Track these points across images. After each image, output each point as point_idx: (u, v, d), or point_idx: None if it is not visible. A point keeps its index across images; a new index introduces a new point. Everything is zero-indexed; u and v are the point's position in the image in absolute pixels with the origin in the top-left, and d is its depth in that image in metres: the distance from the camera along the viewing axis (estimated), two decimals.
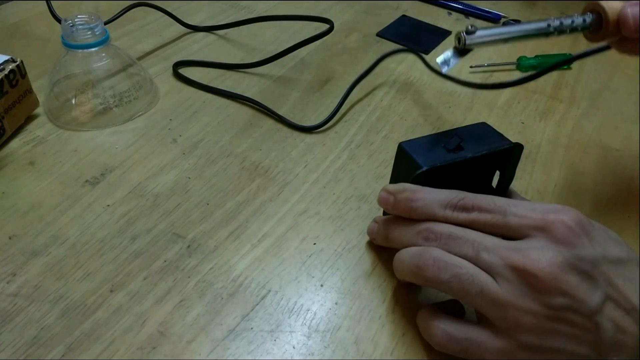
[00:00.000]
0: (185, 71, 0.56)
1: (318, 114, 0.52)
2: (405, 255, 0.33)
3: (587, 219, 0.30)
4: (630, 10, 0.37)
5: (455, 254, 0.31)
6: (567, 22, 0.38)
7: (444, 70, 0.38)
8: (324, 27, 0.55)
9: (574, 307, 0.28)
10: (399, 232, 0.35)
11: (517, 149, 0.38)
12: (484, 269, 0.30)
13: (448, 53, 0.38)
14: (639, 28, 0.37)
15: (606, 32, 0.38)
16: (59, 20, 0.48)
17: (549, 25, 0.38)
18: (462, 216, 0.32)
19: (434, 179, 0.35)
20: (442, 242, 0.32)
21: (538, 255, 0.29)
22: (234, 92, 0.53)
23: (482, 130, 0.38)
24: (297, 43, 0.54)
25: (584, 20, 0.39)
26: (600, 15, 0.38)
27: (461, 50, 0.37)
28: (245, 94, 0.53)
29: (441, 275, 0.30)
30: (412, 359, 0.33)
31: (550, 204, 0.31)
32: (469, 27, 0.36)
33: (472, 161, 0.36)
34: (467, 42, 0.37)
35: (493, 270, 0.30)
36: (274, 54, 0.55)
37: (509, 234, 0.31)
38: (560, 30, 0.38)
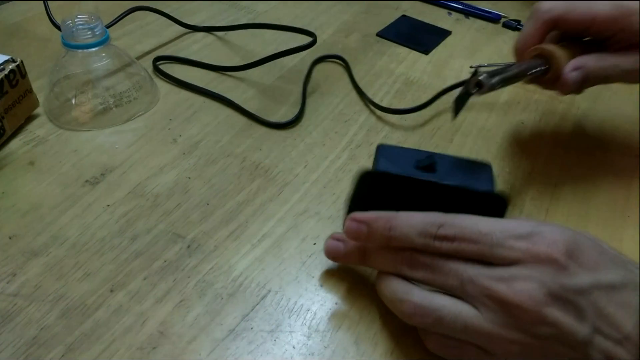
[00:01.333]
0: (185, 70, 0.56)
1: (318, 114, 0.52)
2: (387, 291, 0.33)
3: (575, 241, 0.29)
4: (570, 76, 0.41)
5: (440, 284, 0.31)
6: (535, 67, 0.41)
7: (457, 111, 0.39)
8: (325, 27, 0.55)
9: (560, 338, 0.28)
10: (380, 257, 0.34)
11: (498, 201, 0.33)
12: (467, 300, 0.30)
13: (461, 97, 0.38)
14: (572, 90, 0.42)
15: (550, 82, 0.43)
16: (57, 27, 0.48)
17: (529, 67, 0.41)
18: (445, 246, 0.31)
19: (387, 189, 0.34)
20: (427, 271, 0.31)
21: (521, 287, 0.28)
22: (226, 96, 0.53)
23: (475, 168, 0.35)
24: (277, 52, 0.53)
25: (541, 68, 0.42)
26: (548, 61, 0.42)
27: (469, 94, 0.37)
28: (244, 95, 0.53)
29: (424, 321, 0.31)
30: (413, 359, 0.33)
31: (538, 226, 0.30)
32: (483, 76, 0.36)
33: (435, 188, 0.33)
34: (491, 84, 0.36)
35: (477, 301, 0.29)
36: (268, 55, 0.54)
37: (495, 262, 0.30)
38: (533, 74, 0.41)
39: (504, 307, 0.28)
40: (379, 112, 0.53)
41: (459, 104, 0.38)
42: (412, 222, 0.32)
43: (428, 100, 0.53)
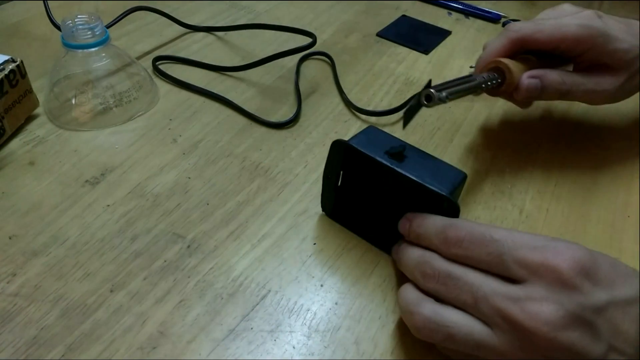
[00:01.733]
0: (185, 70, 0.56)
1: (318, 114, 0.52)
2: (400, 300, 0.32)
3: (591, 258, 0.28)
4: (527, 82, 0.42)
5: (452, 299, 0.30)
6: (490, 80, 0.42)
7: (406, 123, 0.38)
8: (325, 27, 0.55)
9: (576, 357, 0.27)
10: (405, 259, 0.34)
11: (448, 205, 0.33)
12: (480, 318, 0.29)
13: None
14: (526, 97, 0.43)
15: (505, 91, 0.44)
16: (57, 27, 0.48)
17: (483, 81, 0.41)
18: (454, 250, 0.31)
19: (352, 162, 0.36)
20: (440, 281, 0.31)
21: (537, 310, 0.27)
22: (225, 96, 0.53)
23: (448, 173, 0.35)
24: (277, 53, 0.53)
25: (494, 81, 0.42)
26: (503, 74, 0.43)
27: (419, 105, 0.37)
28: (243, 95, 0.53)
29: (434, 337, 0.30)
30: (413, 359, 0.33)
31: (552, 240, 0.29)
32: (434, 91, 0.36)
33: (390, 174, 0.34)
34: (440, 98, 0.36)
35: (490, 321, 0.29)
36: (267, 56, 0.55)
37: (507, 275, 0.29)
38: (487, 87, 0.42)
39: (518, 330, 0.27)
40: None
41: (409, 115, 0.38)
42: (432, 220, 0.33)
43: (400, 104, 0.52)
